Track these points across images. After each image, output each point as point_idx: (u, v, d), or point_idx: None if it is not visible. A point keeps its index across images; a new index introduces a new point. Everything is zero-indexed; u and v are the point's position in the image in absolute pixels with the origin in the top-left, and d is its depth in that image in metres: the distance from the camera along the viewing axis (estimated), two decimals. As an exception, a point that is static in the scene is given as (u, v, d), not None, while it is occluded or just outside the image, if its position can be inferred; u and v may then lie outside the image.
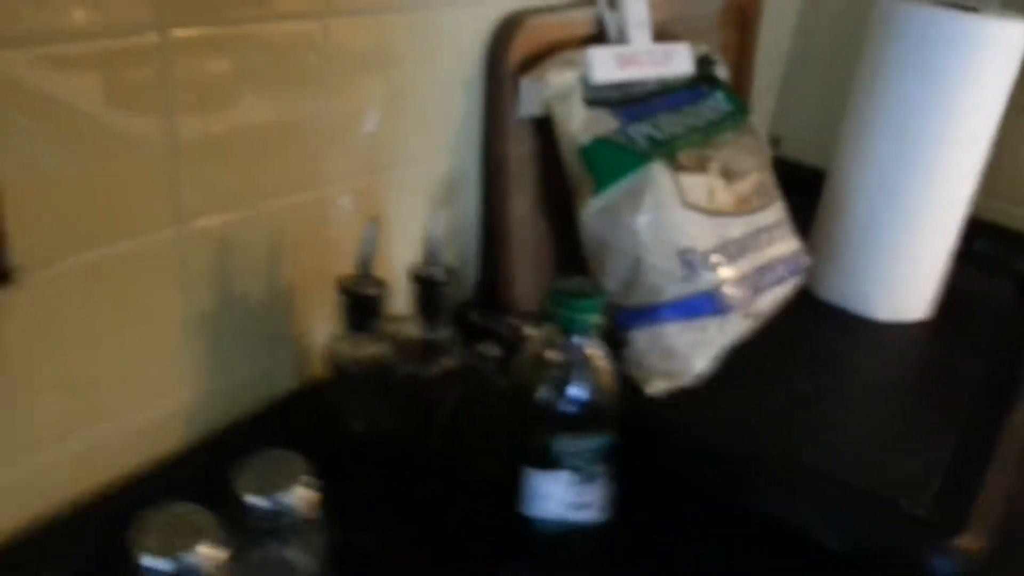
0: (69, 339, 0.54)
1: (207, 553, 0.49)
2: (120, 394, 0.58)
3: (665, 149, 0.77)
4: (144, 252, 0.56)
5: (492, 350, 0.76)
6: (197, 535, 0.51)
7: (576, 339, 0.60)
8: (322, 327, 0.71)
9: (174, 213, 0.56)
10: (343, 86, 0.66)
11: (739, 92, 1.05)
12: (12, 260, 0.48)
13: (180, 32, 0.53)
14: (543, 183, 0.82)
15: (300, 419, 0.70)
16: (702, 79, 0.90)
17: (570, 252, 0.85)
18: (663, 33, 0.88)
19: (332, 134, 0.66)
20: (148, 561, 0.50)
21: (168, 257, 0.57)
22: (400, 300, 0.67)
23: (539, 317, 0.85)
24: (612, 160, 0.74)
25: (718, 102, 0.89)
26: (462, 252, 0.85)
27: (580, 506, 0.68)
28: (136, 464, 0.61)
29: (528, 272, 0.86)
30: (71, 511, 0.57)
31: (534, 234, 0.84)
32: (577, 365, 0.61)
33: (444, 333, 0.66)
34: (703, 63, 0.91)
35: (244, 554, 0.55)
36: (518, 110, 0.76)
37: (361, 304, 0.60)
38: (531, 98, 0.75)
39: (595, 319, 0.59)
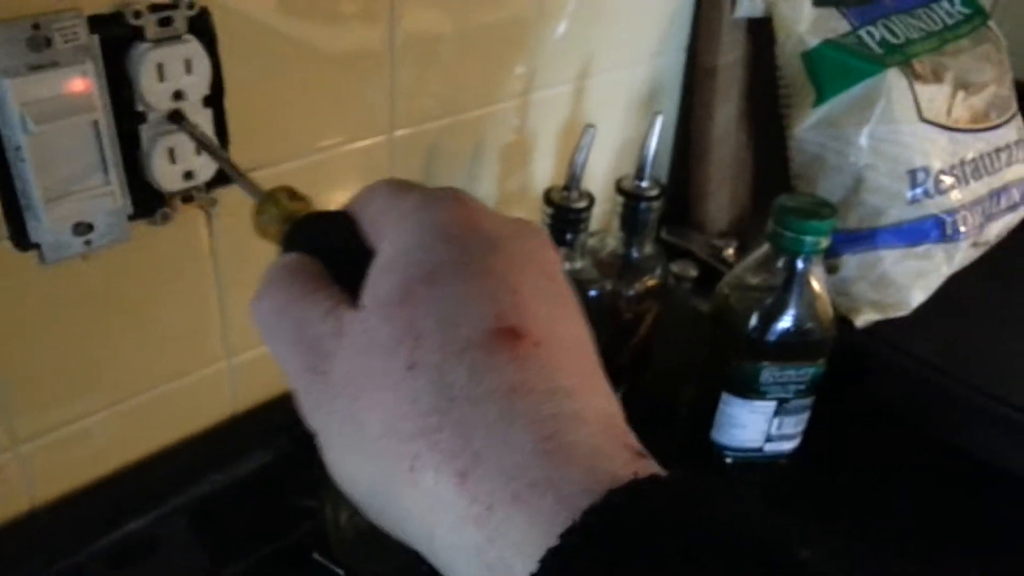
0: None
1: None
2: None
3: (900, 55, 0.69)
4: (359, 156, 0.55)
5: (689, 270, 0.73)
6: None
7: (800, 263, 0.55)
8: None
9: (389, 120, 0.55)
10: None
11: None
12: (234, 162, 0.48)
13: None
14: (749, 94, 0.76)
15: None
16: (936, -23, 0.80)
17: (771, 169, 0.79)
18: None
19: (535, 40, 0.63)
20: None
21: (380, 161, 0.56)
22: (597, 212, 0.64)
23: (738, 237, 0.81)
24: (840, 67, 0.67)
25: (954, 4, 0.79)
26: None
27: (778, 438, 0.64)
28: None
29: (724, 189, 0.80)
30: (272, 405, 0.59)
31: (735, 148, 0.79)
32: (796, 291, 0.57)
33: (648, 251, 0.62)
34: (938, -42, 0.81)
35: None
36: (735, 10, 0.69)
37: (567, 217, 0.57)
38: (753, -5, 0.69)
39: (824, 242, 0.54)
